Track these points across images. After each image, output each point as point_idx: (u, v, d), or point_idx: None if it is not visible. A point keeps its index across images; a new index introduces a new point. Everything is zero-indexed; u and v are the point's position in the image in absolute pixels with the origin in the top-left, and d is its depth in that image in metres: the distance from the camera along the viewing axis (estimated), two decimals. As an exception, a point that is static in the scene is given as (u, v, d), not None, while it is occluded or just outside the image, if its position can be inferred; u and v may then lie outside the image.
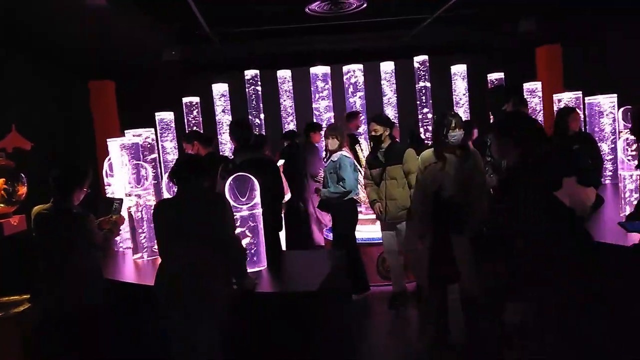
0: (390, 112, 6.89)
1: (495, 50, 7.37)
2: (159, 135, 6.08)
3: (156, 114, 6.20)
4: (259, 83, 6.85)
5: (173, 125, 6.21)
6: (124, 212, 3.32)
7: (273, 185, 3.72)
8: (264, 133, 6.80)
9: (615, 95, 5.29)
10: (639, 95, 5.01)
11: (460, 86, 7.01)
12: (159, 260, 2.71)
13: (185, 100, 6.46)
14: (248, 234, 3.19)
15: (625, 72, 5.93)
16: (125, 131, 5.51)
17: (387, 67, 6.92)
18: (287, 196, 5.04)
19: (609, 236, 3.21)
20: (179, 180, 2.66)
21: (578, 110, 4.63)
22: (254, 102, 6.79)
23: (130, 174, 3.90)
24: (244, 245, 2.97)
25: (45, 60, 6.02)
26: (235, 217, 2.94)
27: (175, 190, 2.74)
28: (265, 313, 2.78)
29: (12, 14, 4.43)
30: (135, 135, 4.75)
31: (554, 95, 5.82)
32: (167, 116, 6.17)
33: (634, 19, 5.81)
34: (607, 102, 5.26)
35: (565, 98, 5.61)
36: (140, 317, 2.92)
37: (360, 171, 4.93)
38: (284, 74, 6.93)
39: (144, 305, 2.78)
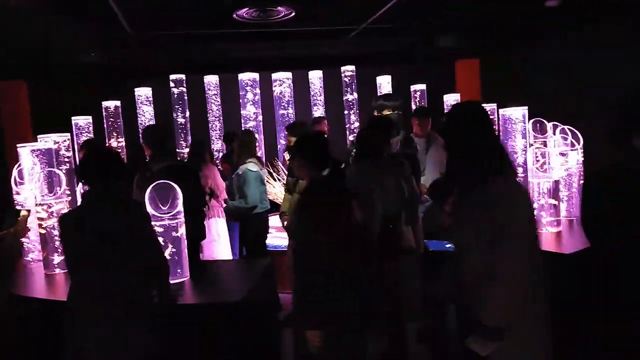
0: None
1: (418, 63, 7.65)
2: (75, 140, 5.76)
3: (73, 118, 5.87)
4: (185, 86, 6.68)
5: (91, 129, 5.91)
6: (33, 223, 3.10)
7: (193, 193, 3.62)
8: (189, 136, 6.64)
9: (526, 107, 5.66)
10: (548, 107, 5.41)
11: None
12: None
13: (105, 104, 6.17)
14: (169, 244, 3.08)
15: (536, 85, 6.36)
16: (39, 136, 5.19)
17: (315, 76, 7.00)
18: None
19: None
20: (89, 182, 2.41)
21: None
22: (179, 106, 6.61)
23: (42, 182, 3.66)
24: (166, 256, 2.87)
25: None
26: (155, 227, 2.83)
27: (85, 195, 2.49)
28: (188, 325, 2.70)
29: None
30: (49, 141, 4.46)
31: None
32: (84, 120, 5.86)
33: (546, 35, 6.25)
34: (518, 113, 5.61)
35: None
36: (48, 333, 2.73)
37: (268, 183, 4.85)
38: (211, 79, 6.81)
39: (51, 322, 2.60)
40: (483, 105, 2.23)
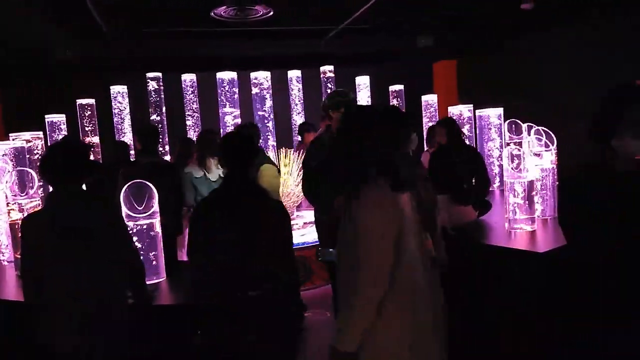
0: (299, 120, 6.97)
1: (397, 64, 7.71)
2: (48, 139, 5.64)
3: (46, 116, 5.74)
4: (162, 84, 6.59)
5: (64, 127, 5.79)
6: (2, 223, 3.02)
7: (174, 190, 3.61)
8: (166, 134, 6.55)
9: (502, 108, 5.76)
10: (522, 108, 5.51)
11: (363, 96, 7.24)
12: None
13: (79, 101, 6.05)
14: (145, 243, 3.04)
15: (512, 86, 6.47)
16: (10, 135, 5.07)
17: (294, 76, 6.99)
18: None
19: (497, 239, 3.49)
20: (58, 180, 2.26)
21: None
22: (156, 104, 6.52)
23: (13, 181, 3.57)
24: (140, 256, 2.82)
25: None
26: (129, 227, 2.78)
27: (52, 194, 2.32)
28: (164, 325, 2.66)
29: None
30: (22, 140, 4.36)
31: (448, 107, 6.22)
32: (58, 118, 5.74)
33: (522, 35, 6.36)
34: (494, 114, 5.71)
35: (457, 111, 6.01)
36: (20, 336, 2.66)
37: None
38: (189, 78, 6.74)
39: (24, 324, 2.54)
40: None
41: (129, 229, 2.65)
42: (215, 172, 3.93)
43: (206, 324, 2.21)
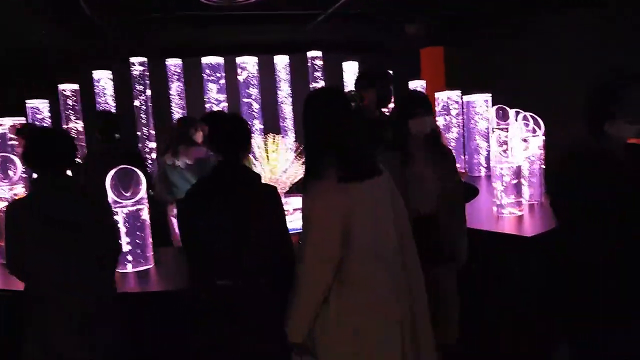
0: (287, 107, 6.91)
1: (385, 49, 7.67)
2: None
3: (27, 101, 5.61)
4: (147, 71, 6.47)
5: (47, 114, 5.67)
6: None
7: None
8: (150, 120, 6.45)
9: (490, 94, 5.77)
10: (510, 94, 5.53)
11: (350, 82, 7.21)
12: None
13: (61, 87, 5.91)
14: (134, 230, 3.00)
15: (499, 72, 6.48)
16: (-11, 120, 4.95)
17: (281, 61, 6.91)
18: None
19: (485, 224, 3.52)
20: (40, 168, 2.22)
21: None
22: (140, 90, 6.41)
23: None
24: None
25: None
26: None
27: (36, 181, 2.27)
28: (153, 312, 2.64)
29: None
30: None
31: (436, 93, 6.21)
32: (40, 104, 5.62)
33: (510, 21, 6.36)
34: (481, 100, 5.72)
35: (445, 97, 6.02)
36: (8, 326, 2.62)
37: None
38: (174, 63, 6.63)
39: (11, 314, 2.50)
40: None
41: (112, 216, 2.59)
42: (183, 160, 3.90)
43: (206, 324, 2.12)
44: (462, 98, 5.98)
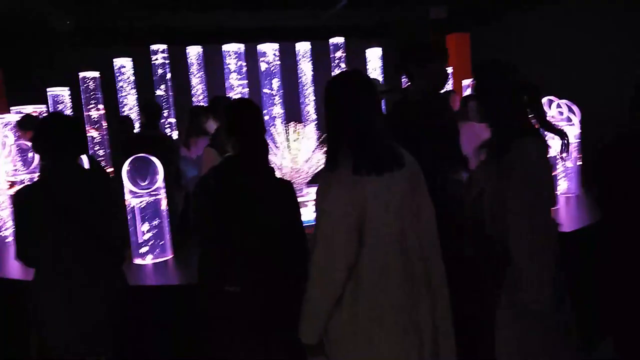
0: (309, 95, 6.77)
1: (410, 36, 7.46)
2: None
3: (48, 89, 5.59)
4: (167, 57, 6.40)
5: (69, 102, 5.65)
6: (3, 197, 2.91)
7: (170, 165, 3.47)
8: (171, 109, 6.40)
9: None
10: (540, 81, 5.28)
11: (375, 69, 7.02)
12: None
13: (82, 75, 5.88)
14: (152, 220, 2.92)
15: (528, 59, 6.22)
16: (12, 109, 4.94)
17: (303, 48, 6.77)
18: None
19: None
20: (52, 154, 2.16)
21: None
22: (160, 77, 6.34)
23: (14, 155, 3.46)
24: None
25: None
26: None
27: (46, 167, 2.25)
28: (168, 306, 2.56)
29: None
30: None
31: (463, 81, 6.00)
32: (61, 92, 5.59)
33: (537, 5, 6.10)
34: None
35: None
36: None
37: None
38: (194, 50, 6.54)
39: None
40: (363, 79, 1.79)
41: (128, 207, 2.52)
42: (194, 151, 3.93)
43: (220, 339, 1.99)
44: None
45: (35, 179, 2.36)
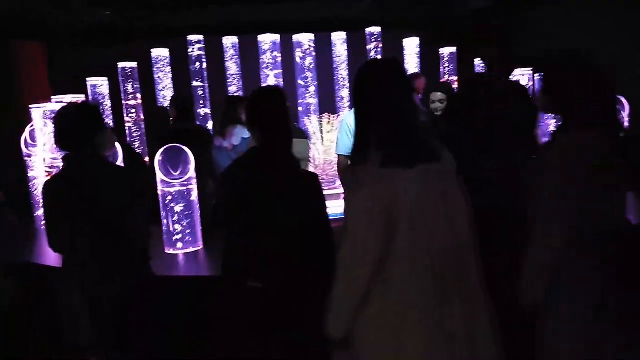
0: (344, 86, 6.70)
1: (448, 25, 7.26)
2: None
3: (88, 79, 5.72)
4: (204, 48, 6.44)
5: (107, 92, 5.76)
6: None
7: (202, 156, 3.49)
8: (207, 99, 6.44)
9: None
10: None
11: (412, 60, 6.88)
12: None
13: (121, 65, 5.99)
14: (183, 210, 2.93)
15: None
16: (53, 98, 5.07)
17: (338, 38, 6.68)
18: None
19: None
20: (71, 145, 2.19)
21: None
22: (197, 68, 6.39)
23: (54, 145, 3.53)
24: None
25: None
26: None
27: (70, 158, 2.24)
28: (200, 298, 2.56)
29: None
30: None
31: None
32: (100, 82, 5.71)
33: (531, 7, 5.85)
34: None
35: (516, 73, 5.58)
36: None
37: None
38: (230, 41, 6.56)
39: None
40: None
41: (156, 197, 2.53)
42: (229, 140, 3.93)
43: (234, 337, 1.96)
44: (533, 78, 5.54)
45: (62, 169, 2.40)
